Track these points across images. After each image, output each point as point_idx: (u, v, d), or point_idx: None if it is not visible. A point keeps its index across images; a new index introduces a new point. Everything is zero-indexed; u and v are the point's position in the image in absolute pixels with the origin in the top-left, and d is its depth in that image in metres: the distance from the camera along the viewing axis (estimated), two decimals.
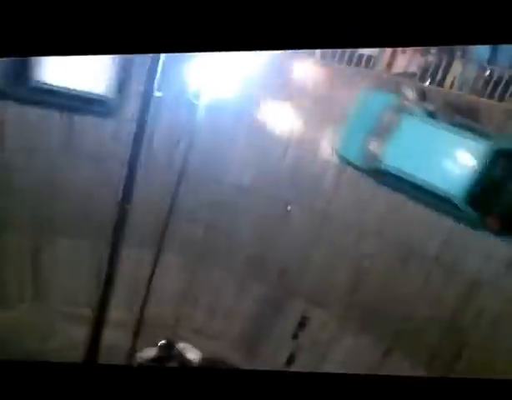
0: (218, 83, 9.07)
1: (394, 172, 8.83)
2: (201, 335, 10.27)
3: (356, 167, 9.72)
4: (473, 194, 7.93)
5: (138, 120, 7.87)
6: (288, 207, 10.60)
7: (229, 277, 11.05)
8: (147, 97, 8.30)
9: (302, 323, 10.41)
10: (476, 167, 7.85)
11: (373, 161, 9.18)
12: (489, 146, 7.86)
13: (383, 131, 9.15)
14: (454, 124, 8.50)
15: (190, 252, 10.98)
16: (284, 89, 10.63)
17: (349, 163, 9.92)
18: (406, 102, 9.11)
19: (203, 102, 8.78)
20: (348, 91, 10.07)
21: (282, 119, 10.87)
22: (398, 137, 8.85)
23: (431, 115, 8.83)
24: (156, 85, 7.94)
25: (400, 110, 9.04)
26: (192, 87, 8.86)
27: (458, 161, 8.07)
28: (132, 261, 9.02)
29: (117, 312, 7.84)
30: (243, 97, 9.74)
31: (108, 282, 7.71)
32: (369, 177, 9.55)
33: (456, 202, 8.05)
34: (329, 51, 10.40)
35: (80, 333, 8.12)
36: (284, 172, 10.73)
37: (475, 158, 7.87)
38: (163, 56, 7.86)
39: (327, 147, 10.55)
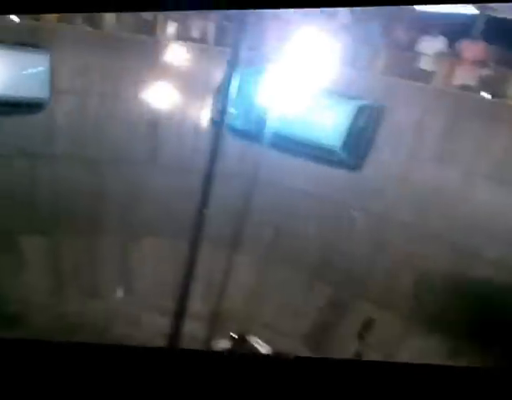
0: (284, 98, 9.82)
1: (281, 134, 10.36)
2: (270, 330, 10.88)
3: (242, 133, 10.83)
4: (347, 143, 10.29)
5: (214, 132, 8.75)
6: (353, 212, 11.02)
7: (297, 277, 11.57)
8: (222, 111, 9.20)
9: (367, 324, 10.74)
10: (347, 122, 10.14)
11: (260, 127, 10.47)
12: (355, 104, 10.19)
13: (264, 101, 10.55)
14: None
15: (261, 253, 11.64)
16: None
17: (235, 131, 10.86)
18: None
19: (273, 114, 9.53)
20: None
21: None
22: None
23: None
24: (230, 101, 8.78)
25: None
26: (261, 101, 9.66)
27: (334, 119, 10.26)
28: (208, 259, 9.82)
29: (196, 305, 8.73)
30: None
31: (188, 278, 8.62)
32: (255, 140, 10.66)
33: (335, 151, 10.25)
34: None
35: (163, 323, 9.10)
36: (343, 176, 11.10)
37: (346, 114, 10.15)
38: (236, 74, 8.70)
39: None
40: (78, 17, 11.86)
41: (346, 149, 10.36)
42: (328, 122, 10.35)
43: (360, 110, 10.28)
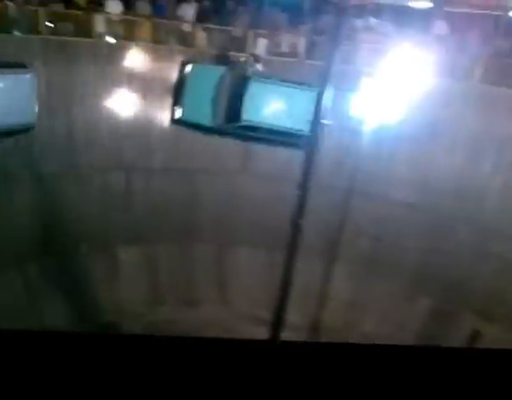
0: (379, 109, 9.76)
1: (253, 124, 11.44)
2: (370, 340, 10.71)
3: (207, 128, 11.74)
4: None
5: (309, 145, 8.84)
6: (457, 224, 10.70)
7: (396, 288, 11.34)
8: (315, 124, 9.30)
9: (473, 337, 10.31)
10: (308, 106, 10.53)
11: (229, 120, 11.53)
12: (313, 91, 10.30)
13: (234, 94, 11.56)
14: (281, 81, 11.56)
15: (358, 263, 11.52)
16: None
17: (198, 126, 11.80)
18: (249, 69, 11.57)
19: (367, 126, 9.51)
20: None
21: None
22: (251, 97, 11.42)
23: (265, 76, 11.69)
24: (324, 114, 8.86)
25: (240, 77, 11.56)
26: (356, 113, 9.66)
27: (296, 106, 11.28)
28: (304, 269, 9.85)
29: (292, 315, 8.79)
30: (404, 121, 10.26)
31: (285, 288, 8.69)
32: (223, 133, 11.69)
33: (301, 133, 10.86)
34: None
35: (259, 333, 9.23)
36: (448, 188, 10.84)
37: (309, 102, 10.52)
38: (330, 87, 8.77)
39: None
40: (171, 38, 12.46)
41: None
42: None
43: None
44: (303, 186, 8.63)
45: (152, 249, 12.14)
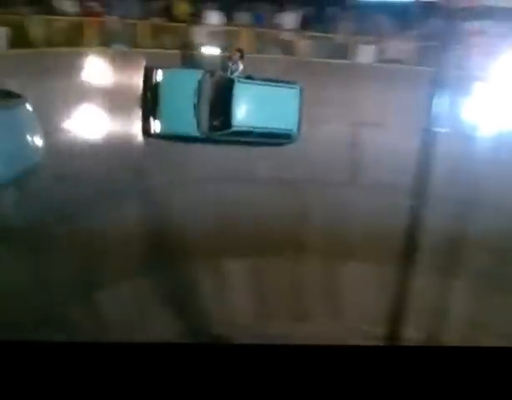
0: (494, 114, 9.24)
1: (244, 129, 10.85)
2: None
3: (190, 138, 11.04)
4: (298, 125, 11.18)
5: (422, 153, 8.52)
6: None
7: None
8: (428, 132, 8.96)
9: None
10: (296, 106, 11.04)
11: (217, 127, 10.90)
12: (297, 89, 11.07)
13: (218, 99, 10.92)
14: (264, 80, 11.11)
15: (478, 277, 10.85)
16: None
17: (180, 137, 11.04)
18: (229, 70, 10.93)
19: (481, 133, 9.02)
20: None
21: None
22: (239, 100, 10.78)
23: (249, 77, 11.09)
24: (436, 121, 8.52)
25: (222, 79, 10.95)
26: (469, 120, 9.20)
27: (285, 105, 11.03)
28: (419, 283, 9.45)
29: (408, 331, 8.46)
30: None
31: (400, 303, 8.42)
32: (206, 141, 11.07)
33: (291, 133, 11.14)
34: None
35: None
36: None
37: (294, 100, 11.01)
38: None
39: None
40: (273, 47, 12.47)
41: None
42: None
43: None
44: (417, 196, 8.33)
45: (260, 262, 12.24)
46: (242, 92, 10.83)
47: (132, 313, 10.50)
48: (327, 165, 12.04)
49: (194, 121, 10.96)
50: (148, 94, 11.13)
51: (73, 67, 10.73)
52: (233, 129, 10.85)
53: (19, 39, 10.43)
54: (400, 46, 11.97)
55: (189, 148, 11.44)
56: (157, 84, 10.98)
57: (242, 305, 11.83)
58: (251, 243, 11.94)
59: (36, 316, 8.97)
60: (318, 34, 12.30)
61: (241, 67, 11.00)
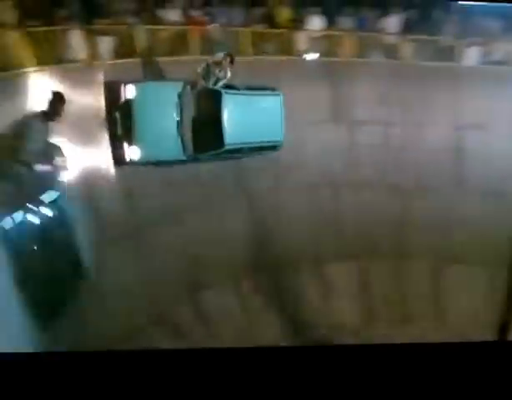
0: None
1: (237, 147, 9.59)
2: None
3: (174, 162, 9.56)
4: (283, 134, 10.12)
5: None
6: None
7: None
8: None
9: None
10: (281, 114, 10.05)
11: (206, 147, 9.43)
12: (280, 95, 10.14)
13: (203, 115, 9.47)
14: (248, 89, 9.94)
15: None
16: None
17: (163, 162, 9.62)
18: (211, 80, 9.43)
19: None
20: None
21: None
22: (229, 115, 9.37)
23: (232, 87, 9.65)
24: None
25: (205, 91, 9.45)
26: None
27: (271, 115, 9.99)
28: None
29: None
30: None
31: (508, 309, 8.20)
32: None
33: (278, 144, 10.14)
34: None
35: None
36: None
37: (279, 108, 10.03)
38: None
39: None
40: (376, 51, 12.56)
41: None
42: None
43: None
44: None
45: (364, 265, 12.33)
46: (230, 104, 9.42)
47: (236, 317, 10.89)
48: (432, 169, 11.98)
49: (178, 142, 9.37)
50: (117, 115, 9.41)
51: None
52: (226, 148, 9.42)
53: (123, 49, 10.40)
54: (507, 47, 11.63)
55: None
56: (127, 102, 9.24)
57: (346, 307, 11.95)
58: (356, 246, 12.06)
59: (143, 316, 9.68)
60: (422, 37, 12.24)
61: (229, 74, 9.43)
